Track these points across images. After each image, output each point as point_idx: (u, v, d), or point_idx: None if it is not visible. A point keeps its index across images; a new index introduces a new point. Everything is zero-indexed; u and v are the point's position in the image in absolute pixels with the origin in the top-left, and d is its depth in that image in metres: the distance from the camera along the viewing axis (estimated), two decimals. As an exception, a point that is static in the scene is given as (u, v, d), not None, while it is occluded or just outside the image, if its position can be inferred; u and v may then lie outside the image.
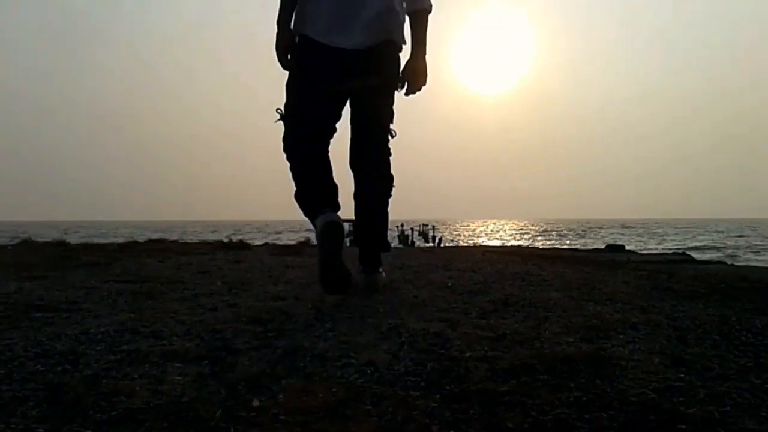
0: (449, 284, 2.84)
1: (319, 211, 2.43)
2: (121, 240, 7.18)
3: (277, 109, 2.52)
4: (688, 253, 8.13)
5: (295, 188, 2.56)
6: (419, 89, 2.59)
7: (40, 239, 6.58)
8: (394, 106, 2.60)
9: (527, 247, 8.88)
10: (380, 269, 2.72)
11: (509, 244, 38.56)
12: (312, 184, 2.52)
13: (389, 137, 2.60)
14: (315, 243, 2.66)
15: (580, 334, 1.75)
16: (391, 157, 2.64)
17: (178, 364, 1.41)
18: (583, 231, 71.56)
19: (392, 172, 2.66)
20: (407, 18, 2.57)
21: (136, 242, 6.07)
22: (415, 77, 2.56)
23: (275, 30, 2.48)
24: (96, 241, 7.26)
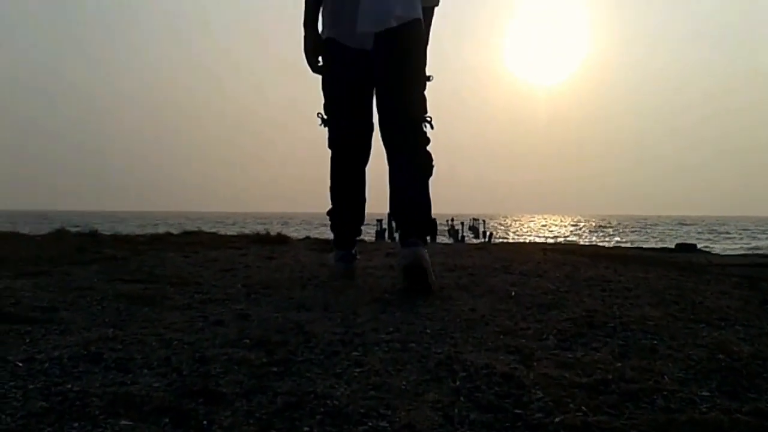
0: (512, 293, 2.32)
1: (341, 244, 2.79)
2: (160, 230, 6.87)
3: (318, 114, 2.58)
4: (773, 255, 7.33)
5: (330, 186, 2.75)
6: None
7: (75, 228, 6.31)
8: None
9: (590, 246, 8.22)
10: (423, 245, 2.43)
11: (567, 241, 37.56)
12: (346, 200, 2.76)
13: (424, 126, 2.50)
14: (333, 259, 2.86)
15: (716, 381, 1.22)
16: (429, 145, 2.53)
17: (125, 423, 0.95)
18: (639, 227, 69.23)
19: (431, 152, 2.55)
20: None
21: (169, 234, 5.73)
22: None
23: (302, 32, 2.56)
24: (136, 231, 6.96)
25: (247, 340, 1.48)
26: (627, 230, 58.09)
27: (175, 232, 6.43)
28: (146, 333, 1.57)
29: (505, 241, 27.81)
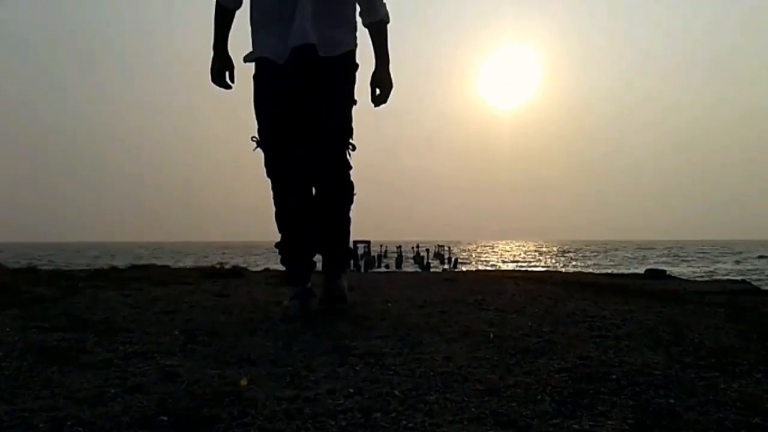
0: (491, 335, 2.03)
1: (294, 280, 2.60)
2: (116, 262, 6.43)
3: (252, 137, 2.51)
4: (746, 279, 7.24)
5: (275, 215, 2.61)
6: (384, 100, 2.60)
7: (15, 265, 5.84)
8: (354, 122, 2.56)
9: (558, 272, 8.02)
10: (343, 275, 2.70)
11: (532, 268, 37.62)
12: (295, 230, 2.59)
13: (348, 150, 2.55)
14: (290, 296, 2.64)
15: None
16: (351, 171, 2.60)
17: None
18: (601, 251, 70.08)
19: (352, 180, 2.63)
20: (366, 30, 2.59)
21: (115, 268, 5.32)
22: (380, 88, 2.58)
23: (211, 55, 2.61)
24: (86, 264, 6.51)
25: (165, 417, 1.15)
26: (590, 255, 58.69)
27: (122, 266, 6.02)
28: (37, 407, 1.23)
29: (472, 269, 27.66)
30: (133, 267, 5.51)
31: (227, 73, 2.64)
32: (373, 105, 2.60)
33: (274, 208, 2.59)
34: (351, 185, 2.62)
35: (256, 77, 2.49)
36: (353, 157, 2.60)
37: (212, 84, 2.63)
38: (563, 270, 30.97)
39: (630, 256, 58.74)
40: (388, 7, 2.61)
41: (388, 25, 2.62)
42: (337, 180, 2.57)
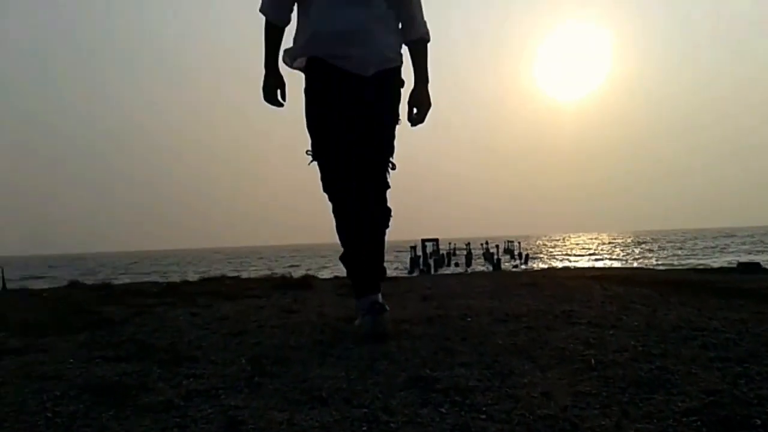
0: (592, 360, 1.78)
1: (362, 292, 2.47)
2: (187, 276, 6.45)
3: (307, 151, 2.46)
4: None
5: (336, 229, 2.53)
6: (422, 120, 2.56)
7: (90, 280, 5.93)
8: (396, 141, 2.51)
9: (642, 269, 7.56)
10: (380, 296, 2.47)
11: (608, 262, 36.24)
12: (359, 241, 2.51)
13: (388, 169, 2.50)
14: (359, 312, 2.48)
15: None
16: (389, 190, 2.53)
17: None
18: (679, 242, 67.17)
19: (390, 205, 2.57)
20: (405, 47, 2.55)
21: (186, 282, 5.30)
22: (418, 107, 2.55)
23: (263, 73, 2.52)
24: (163, 272, 6.57)
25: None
26: (667, 246, 56.23)
27: (194, 278, 6.02)
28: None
29: (548, 266, 26.84)
30: (204, 280, 5.48)
31: (279, 91, 2.57)
32: (409, 124, 2.56)
33: (334, 221, 2.53)
34: (388, 209, 2.56)
35: (314, 87, 2.44)
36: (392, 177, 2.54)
37: (264, 102, 2.57)
38: (644, 264, 29.75)
39: (710, 245, 56.05)
40: (429, 26, 2.59)
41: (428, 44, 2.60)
42: (376, 198, 2.50)
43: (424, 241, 43.88)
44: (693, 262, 30.88)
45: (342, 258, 2.58)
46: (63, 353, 2.24)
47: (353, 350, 2.11)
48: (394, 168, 2.51)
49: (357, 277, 2.52)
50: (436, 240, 47.56)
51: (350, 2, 2.36)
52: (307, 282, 4.65)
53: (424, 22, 2.57)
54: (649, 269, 7.95)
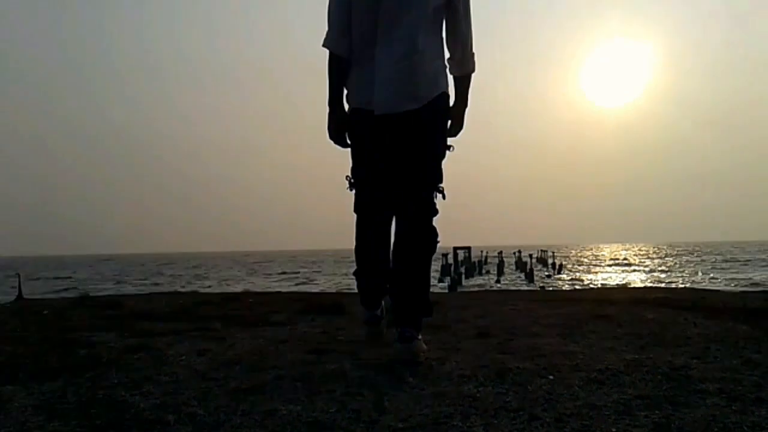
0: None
1: (367, 304, 2.75)
2: (207, 287, 5.90)
3: (347, 177, 2.56)
4: None
5: (355, 247, 2.67)
6: (454, 135, 2.60)
7: (103, 292, 5.40)
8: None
9: (711, 292, 6.76)
10: (419, 335, 2.40)
11: (643, 276, 34.95)
12: (372, 262, 2.67)
13: (435, 196, 2.48)
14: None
15: None
16: (436, 217, 2.50)
17: None
18: (720, 254, 64.99)
19: (437, 229, 2.52)
20: (451, 76, 2.55)
21: (208, 301, 4.73)
22: (452, 123, 2.57)
23: (327, 110, 2.51)
24: (186, 282, 6.04)
25: None
26: (712, 258, 54.14)
27: (217, 290, 5.46)
28: None
29: (600, 285, 25.70)
30: (225, 299, 4.90)
31: (345, 131, 2.55)
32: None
33: (354, 242, 2.67)
34: (435, 232, 2.50)
35: (355, 119, 2.49)
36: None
37: (329, 140, 2.56)
38: (702, 282, 28.46)
39: (763, 258, 53.94)
40: (476, 58, 2.58)
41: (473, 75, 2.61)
42: (421, 224, 2.46)
43: (455, 249, 43.23)
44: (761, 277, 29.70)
45: (355, 273, 2.75)
46: (12, 420, 1.66)
47: (410, 421, 1.49)
48: (443, 195, 2.49)
49: (364, 294, 2.75)
50: (469, 248, 46.79)
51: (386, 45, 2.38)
52: (339, 305, 4.03)
53: (473, 58, 2.57)
54: (717, 291, 7.15)
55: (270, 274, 44.27)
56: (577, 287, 21.99)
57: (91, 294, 6.02)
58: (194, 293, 6.65)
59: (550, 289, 21.67)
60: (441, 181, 2.49)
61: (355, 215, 2.65)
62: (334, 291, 15.59)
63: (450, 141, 2.58)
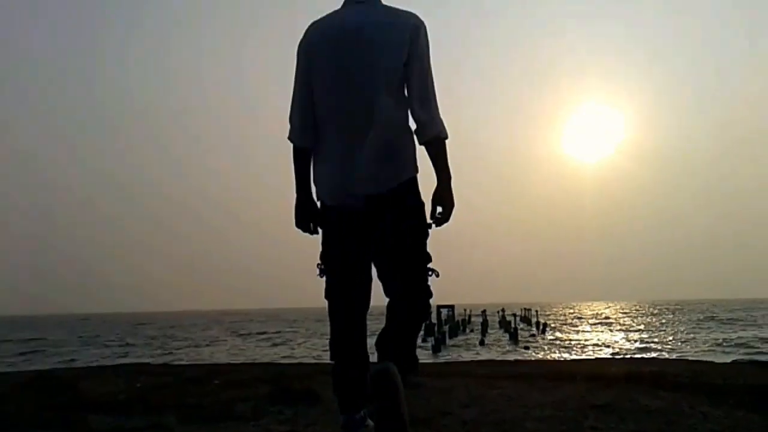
0: None
1: (345, 408, 2.40)
2: (179, 351, 5.50)
3: (318, 264, 2.45)
4: None
5: (329, 340, 2.46)
6: (447, 219, 2.43)
7: (68, 357, 5.00)
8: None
9: (704, 363, 6.48)
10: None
11: (629, 336, 34.49)
12: (348, 355, 2.42)
13: (427, 276, 2.39)
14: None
15: None
16: (431, 299, 2.41)
17: None
18: (703, 312, 64.90)
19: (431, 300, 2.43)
20: (423, 147, 2.42)
21: (168, 385, 4.33)
22: (441, 206, 2.41)
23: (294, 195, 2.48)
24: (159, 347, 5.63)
25: None
26: (700, 320, 53.75)
27: (188, 355, 5.05)
28: None
29: (583, 352, 25.18)
30: (187, 381, 4.50)
31: (311, 220, 2.48)
32: (434, 224, 2.41)
33: (330, 333, 2.47)
34: (428, 306, 2.44)
35: (324, 215, 2.42)
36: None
37: (295, 228, 2.50)
38: (688, 341, 28.06)
39: (744, 316, 53.83)
40: (445, 123, 2.42)
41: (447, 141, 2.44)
42: (415, 305, 2.39)
43: (439, 307, 42.78)
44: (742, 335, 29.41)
45: (331, 371, 2.48)
46: None
47: None
48: (437, 275, 2.40)
49: (341, 393, 2.42)
50: (452, 306, 46.27)
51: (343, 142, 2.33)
52: (311, 393, 3.67)
53: (440, 120, 2.40)
54: (711, 362, 6.87)
55: (248, 334, 43.33)
56: (565, 356, 21.61)
57: (48, 367, 5.58)
58: (163, 367, 6.23)
59: (537, 356, 21.27)
60: (430, 261, 2.40)
61: (326, 302, 2.45)
62: (310, 361, 15.08)
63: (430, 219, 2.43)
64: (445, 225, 2.43)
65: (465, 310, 52.90)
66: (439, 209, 2.40)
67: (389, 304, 2.40)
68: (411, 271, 2.36)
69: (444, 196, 2.41)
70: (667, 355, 20.04)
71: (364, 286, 2.42)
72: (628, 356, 17.51)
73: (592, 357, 18.61)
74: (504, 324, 42.54)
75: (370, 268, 2.43)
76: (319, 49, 2.32)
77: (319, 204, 2.45)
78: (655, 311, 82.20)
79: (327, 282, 2.43)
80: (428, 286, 2.39)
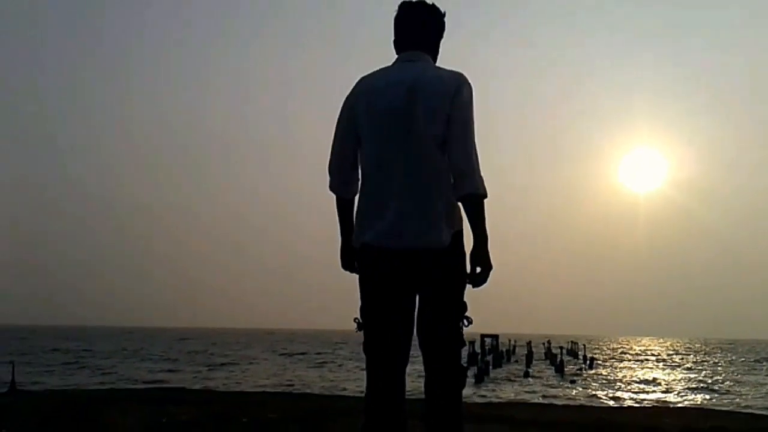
0: None
1: None
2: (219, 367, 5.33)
3: (355, 319, 2.45)
4: None
5: (365, 395, 2.41)
6: (483, 281, 2.40)
7: (110, 372, 4.89)
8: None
9: (753, 418, 5.98)
10: None
11: (681, 377, 33.13)
12: (384, 413, 2.35)
13: (461, 327, 2.40)
14: None
15: None
16: (464, 348, 2.48)
17: None
18: (760, 357, 62.02)
19: (463, 364, 2.47)
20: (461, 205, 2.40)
21: (196, 421, 4.15)
22: (479, 267, 2.37)
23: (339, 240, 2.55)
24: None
25: None
26: (756, 359, 51.21)
27: (225, 375, 4.87)
28: None
29: (637, 396, 24.14)
30: (217, 417, 4.31)
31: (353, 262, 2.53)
32: (471, 285, 2.40)
33: (365, 390, 2.43)
34: (463, 369, 2.44)
35: (362, 261, 2.43)
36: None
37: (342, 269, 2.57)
38: (749, 391, 26.72)
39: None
40: (485, 182, 2.37)
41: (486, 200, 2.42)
42: (448, 359, 2.39)
43: (483, 336, 42.05)
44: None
45: (363, 429, 2.42)
46: None
47: None
48: (470, 323, 2.41)
49: None
50: (497, 336, 45.40)
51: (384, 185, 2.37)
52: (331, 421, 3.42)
53: (478, 177, 2.34)
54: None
55: (291, 354, 43.55)
56: (614, 396, 20.73)
57: (84, 381, 5.48)
58: (195, 394, 6.07)
59: (586, 392, 20.46)
60: (466, 310, 2.39)
61: (364, 356, 2.45)
62: (348, 392, 14.79)
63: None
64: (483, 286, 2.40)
65: (509, 340, 51.90)
66: (478, 268, 2.37)
67: (426, 381, 2.37)
68: (448, 352, 2.36)
69: (480, 258, 2.37)
70: (720, 397, 19.03)
71: (403, 344, 2.38)
72: (681, 396, 16.66)
73: (643, 403, 17.76)
74: (550, 356, 41.49)
75: (412, 323, 2.40)
76: (365, 102, 2.38)
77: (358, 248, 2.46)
78: (707, 349, 79.21)
79: (365, 336, 2.42)
80: (462, 334, 2.40)
